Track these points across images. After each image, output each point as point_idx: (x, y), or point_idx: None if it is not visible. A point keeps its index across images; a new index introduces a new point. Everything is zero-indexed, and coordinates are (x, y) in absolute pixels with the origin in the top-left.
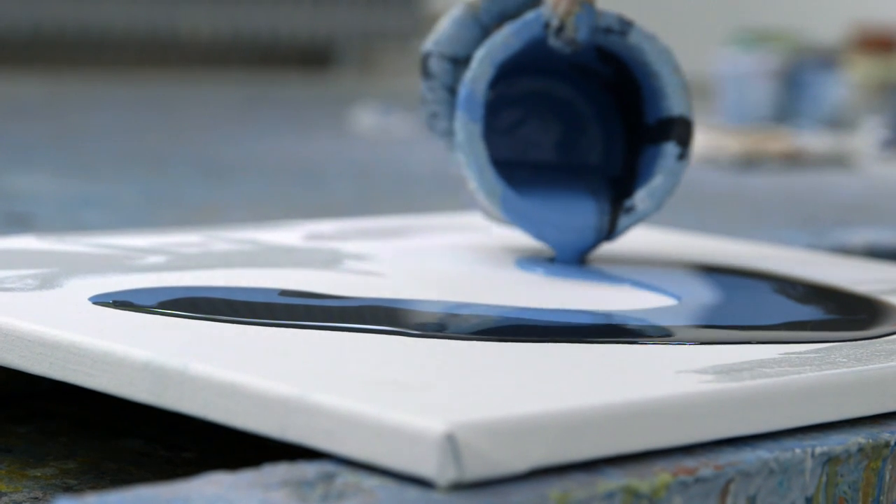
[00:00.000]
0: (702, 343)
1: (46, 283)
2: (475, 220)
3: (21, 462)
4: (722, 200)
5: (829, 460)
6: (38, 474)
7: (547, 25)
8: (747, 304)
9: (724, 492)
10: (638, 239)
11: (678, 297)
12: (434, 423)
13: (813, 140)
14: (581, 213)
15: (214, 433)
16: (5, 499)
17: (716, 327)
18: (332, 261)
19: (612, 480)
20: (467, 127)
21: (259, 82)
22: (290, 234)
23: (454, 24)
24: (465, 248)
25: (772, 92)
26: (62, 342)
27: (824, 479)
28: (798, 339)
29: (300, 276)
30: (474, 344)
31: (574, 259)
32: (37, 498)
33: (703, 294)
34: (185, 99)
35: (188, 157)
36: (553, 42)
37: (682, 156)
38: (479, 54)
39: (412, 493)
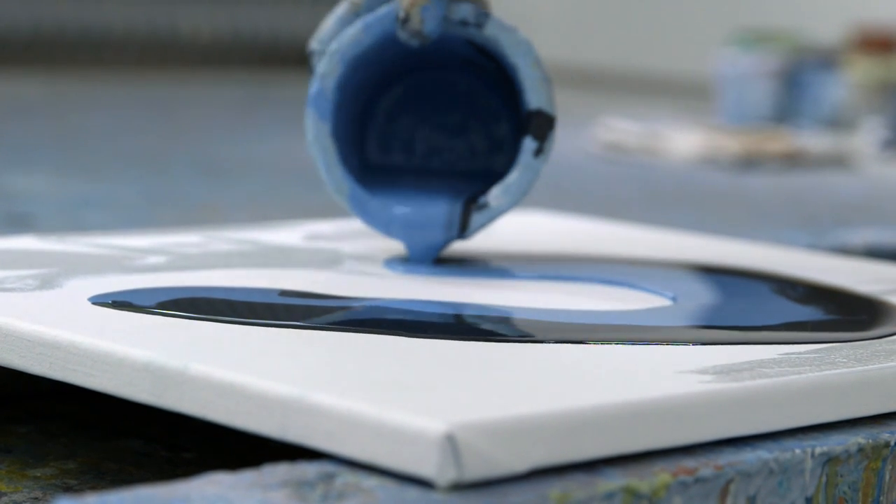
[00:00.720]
0: (699, 343)
1: (46, 283)
2: None
3: (21, 462)
4: (722, 200)
5: (829, 460)
6: (39, 474)
7: (397, 18)
8: (746, 305)
9: (724, 492)
10: (637, 239)
11: (674, 298)
12: (434, 424)
13: (813, 140)
14: (430, 210)
15: (215, 433)
16: (5, 499)
17: (713, 328)
18: (332, 261)
19: (612, 481)
20: (316, 125)
21: (259, 82)
22: (290, 234)
23: (338, 21)
24: (463, 248)
25: (772, 92)
26: (62, 342)
27: (824, 479)
28: (798, 339)
29: (300, 276)
30: (474, 344)
31: (427, 257)
32: (37, 498)
33: (700, 294)
34: (185, 99)
35: (188, 157)
36: (401, 34)
37: (540, 151)
38: (330, 49)
39: (412, 493)
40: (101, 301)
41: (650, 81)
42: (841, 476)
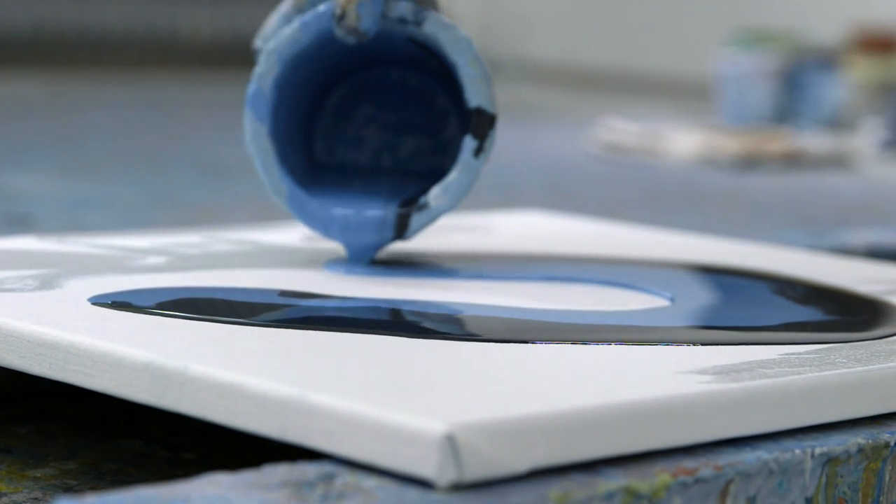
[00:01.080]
0: (698, 344)
1: (46, 283)
2: (476, 220)
3: (21, 463)
4: (722, 201)
5: (829, 461)
6: (39, 475)
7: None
8: (746, 305)
9: (724, 492)
10: (637, 239)
11: (672, 298)
12: (434, 424)
13: (813, 140)
14: (367, 211)
15: (214, 434)
16: (5, 499)
17: (712, 328)
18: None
19: (612, 481)
20: (253, 125)
21: None
22: (290, 234)
23: (282, 19)
24: (463, 250)
25: (771, 92)
26: (62, 343)
27: (824, 479)
28: (798, 339)
29: (300, 276)
30: (474, 345)
31: (364, 258)
32: (37, 498)
33: (699, 295)
34: (185, 99)
35: (188, 158)
36: (337, 31)
37: (479, 150)
38: (268, 48)
39: (412, 493)
40: (100, 301)
41: (650, 82)
42: (841, 476)
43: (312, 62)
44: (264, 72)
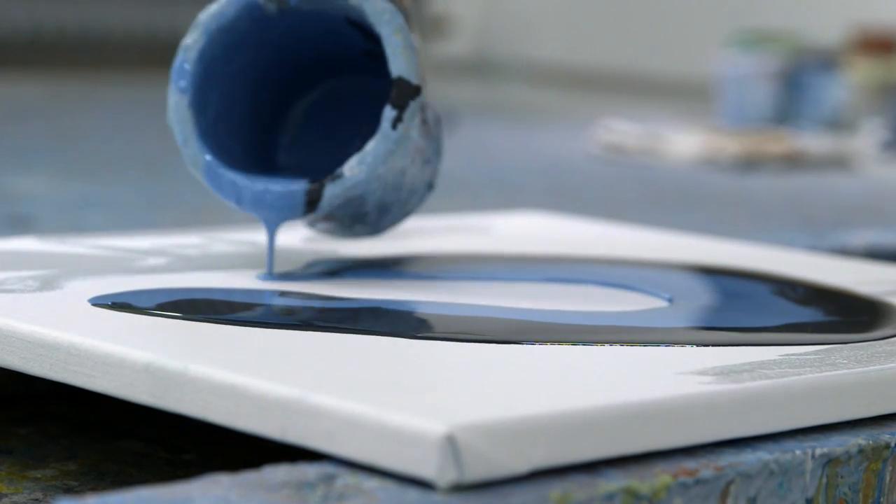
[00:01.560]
0: (698, 345)
1: (47, 284)
2: (475, 221)
3: (21, 463)
4: (722, 202)
5: (830, 462)
6: (39, 476)
7: None
8: (747, 306)
9: (725, 493)
10: (637, 240)
11: (671, 299)
12: (434, 425)
13: (813, 141)
14: (281, 181)
15: (215, 435)
16: (6, 500)
17: (712, 329)
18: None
19: (613, 482)
20: (174, 96)
21: None
22: (290, 236)
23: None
24: (463, 251)
25: (772, 93)
26: (62, 344)
27: (824, 480)
28: (798, 340)
29: (300, 278)
30: (474, 345)
31: (275, 228)
32: (37, 499)
33: (699, 295)
34: None
35: None
36: (261, 1)
37: (398, 120)
38: (195, 21)
39: (412, 494)
40: (101, 302)
41: (650, 83)
42: (841, 477)
43: (251, 47)
44: (189, 44)
